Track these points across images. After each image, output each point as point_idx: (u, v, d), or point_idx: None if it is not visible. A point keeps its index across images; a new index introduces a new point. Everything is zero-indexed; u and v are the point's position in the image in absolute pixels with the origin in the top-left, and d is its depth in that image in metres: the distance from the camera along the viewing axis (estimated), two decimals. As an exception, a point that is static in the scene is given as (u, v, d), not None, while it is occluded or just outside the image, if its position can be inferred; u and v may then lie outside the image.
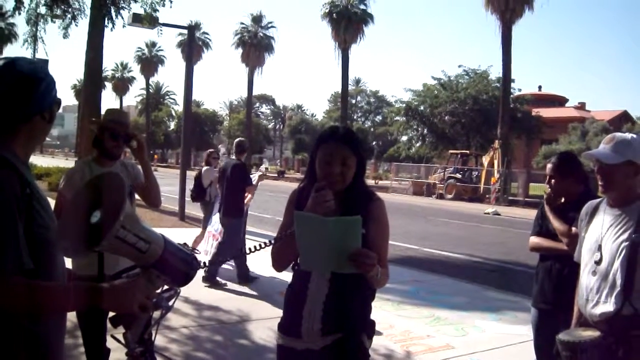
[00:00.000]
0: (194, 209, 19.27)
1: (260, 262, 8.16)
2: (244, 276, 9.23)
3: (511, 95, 41.97)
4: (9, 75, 2.13)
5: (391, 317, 7.58)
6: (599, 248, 3.34)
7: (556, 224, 4.35)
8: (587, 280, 3.39)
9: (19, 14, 17.40)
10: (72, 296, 2.03)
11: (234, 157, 10.04)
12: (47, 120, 2.26)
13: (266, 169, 12.77)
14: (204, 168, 11.65)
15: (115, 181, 2.18)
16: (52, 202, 2.34)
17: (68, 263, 2.42)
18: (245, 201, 9.72)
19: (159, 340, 2.45)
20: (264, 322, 6.97)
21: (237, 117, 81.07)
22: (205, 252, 9.28)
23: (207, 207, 11.21)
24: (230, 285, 8.97)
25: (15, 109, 2.14)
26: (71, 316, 2.36)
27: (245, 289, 8.86)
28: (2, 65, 2.15)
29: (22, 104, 2.14)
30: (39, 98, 2.18)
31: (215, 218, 9.99)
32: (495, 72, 43.87)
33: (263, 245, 2.77)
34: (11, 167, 2.06)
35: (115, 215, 1.96)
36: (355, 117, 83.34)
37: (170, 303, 2.25)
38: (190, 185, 12.79)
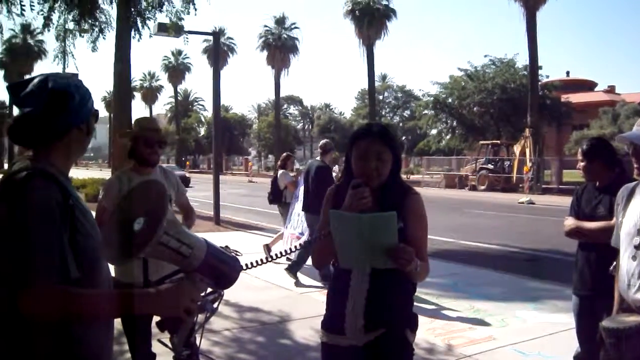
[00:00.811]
0: (229, 213, 19.44)
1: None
2: (295, 268, 9.39)
3: (539, 82, 41.49)
4: (42, 92, 2.16)
5: (431, 311, 7.58)
6: (638, 232, 3.30)
7: (593, 225, 4.36)
8: (627, 265, 3.33)
9: (48, 30, 17.62)
10: (118, 302, 2.06)
11: (318, 158, 10.11)
12: (85, 133, 2.30)
13: (297, 169, 12.92)
14: (280, 171, 12.15)
15: (156, 188, 2.22)
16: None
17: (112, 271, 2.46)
18: None
19: (202, 343, 2.48)
20: (305, 321, 7.01)
21: (265, 119, 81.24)
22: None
23: (285, 209, 11.50)
24: (270, 285, 9.05)
25: (50, 124, 2.17)
26: (116, 322, 2.40)
27: (284, 291, 8.92)
28: (36, 83, 2.19)
29: (57, 119, 2.17)
30: (74, 111, 2.21)
31: (295, 219, 10.18)
32: (522, 60, 43.42)
33: (297, 248, 2.79)
34: (53, 179, 2.09)
35: (157, 221, 2.00)
36: (383, 113, 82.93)
37: (215, 305, 2.27)
38: (224, 189, 12.92)
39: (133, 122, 4.97)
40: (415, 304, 3.14)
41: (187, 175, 42.06)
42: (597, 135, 36.85)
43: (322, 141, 10.63)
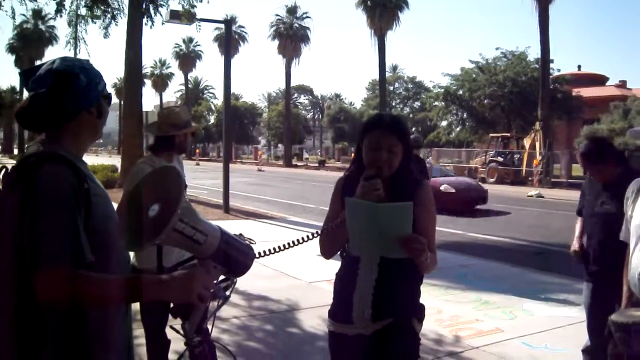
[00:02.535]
0: (238, 201, 19.48)
1: (306, 252, 8.21)
2: None
3: (550, 76, 41.27)
4: (47, 75, 2.16)
5: (439, 302, 7.60)
6: (649, 226, 3.30)
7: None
8: (637, 259, 3.34)
9: (60, 16, 17.68)
10: (131, 288, 2.05)
11: None
12: (97, 116, 2.29)
13: (307, 159, 12.96)
14: None
15: (172, 175, 2.22)
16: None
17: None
18: None
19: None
20: (313, 310, 7.04)
21: (276, 108, 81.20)
22: None
23: None
24: (279, 274, 9.08)
25: (56, 106, 2.16)
26: (134, 307, 2.42)
27: (292, 280, 8.94)
28: (45, 66, 2.21)
29: (63, 100, 2.16)
30: (80, 93, 2.19)
31: None
32: (534, 53, 43.22)
33: (311, 237, 2.80)
34: (67, 162, 2.10)
35: (173, 208, 2.00)
36: (393, 103, 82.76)
37: (228, 293, 2.29)
38: (233, 177, 12.93)
39: (162, 111, 4.95)
40: (423, 294, 3.15)
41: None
42: (606, 130, 36.80)
43: (412, 136, 11.07)
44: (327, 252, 3.15)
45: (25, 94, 2.24)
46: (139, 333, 4.62)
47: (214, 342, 2.40)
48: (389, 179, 2.96)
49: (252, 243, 2.32)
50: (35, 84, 2.18)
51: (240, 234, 2.31)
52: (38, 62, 2.50)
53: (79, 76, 2.19)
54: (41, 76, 2.18)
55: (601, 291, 4.49)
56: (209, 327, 2.53)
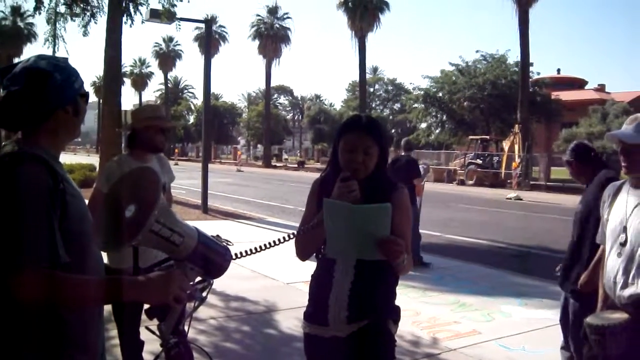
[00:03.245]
0: (217, 202, 19.42)
1: (284, 253, 8.19)
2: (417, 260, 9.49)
3: (530, 79, 41.58)
4: (21, 74, 2.14)
5: (417, 304, 7.60)
6: (624, 229, 3.31)
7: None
8: (613, 262, 3.35)
9: (39, 13, 17.58)
10: (107, 289, 2.05)
11: (402, 153, 10.99)
12: (73, 114, 2.25)
13: (286, 159, 13.06)
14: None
15: (149, 175, 2.21)
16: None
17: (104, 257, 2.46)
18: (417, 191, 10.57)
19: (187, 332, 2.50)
20: (291, 311, 7.02)
21: (255, 108, 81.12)
22: None
23: None
24: (257, 275, 9.04)
25: (30, 105, 2.13)
26: (106, 308, 2.40)
27: (270, 281, 8.92)
28: (20, 64, 2.19)
29: (37, 99, 2.13)
30: (54, 91, 2.16)
31: None
32: (514, 57, 43.57)
33: (287, 238, 2.79)
34: (43, 163, 2.08)
35: (150, 209, 1.99)
36: (373, 105, 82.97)
37: (204, 294, 2.27)
38: (212, 177, 12.87)
39: (135, 108, 4.95)
40: (401, 296, 3.16)
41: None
42: (585, 133, 37.10)
43: (405, 139, 11.93)
44: (303, 253, 3.14)
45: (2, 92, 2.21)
46: (112, 334, 4.61)
47: (190, 343, 2.37)
48: (364, 180, 2.95)
49: (229, 245, 2.31)
50: (10, 81, 2.15)
51: (217, 235, 2.30)
52: (16, 60, 2.47)
53: (52, 74, 2.16)
54: (16, 74, 2.15)
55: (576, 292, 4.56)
56: (186, 328, 2.51)
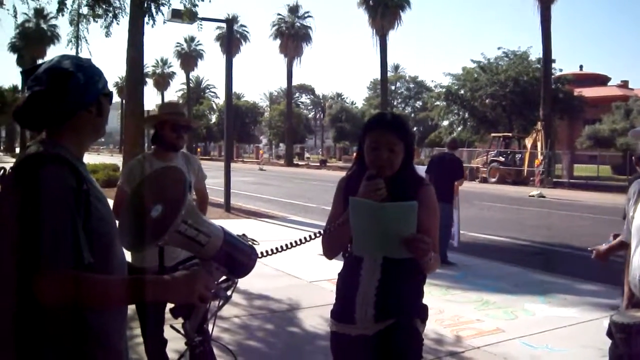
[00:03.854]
0: (240, 201, 19.47)
1: (307, 252, 8.20)
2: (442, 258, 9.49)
3: (552, 76, 41.33)
4: (45, 74, 2.15)
5: (440, 302, 7.59)
6: (650, 227, 3.29)
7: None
8: (638, 259, 3.33)
9: (62, 15, 17.71)
10: (132, 289, 2.04)
11: (446, 150, 11.35)
12: (96, 114, 2.26)
13: (308, 158, 13.12)
14: None
15: (176, 175, 2.21)
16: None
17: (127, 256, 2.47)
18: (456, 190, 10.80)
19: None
20: (314, 309, 7.05)
21: (277, 107, 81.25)
22: None
23: None
24: (280, 273, 9.08)
25: (53, 105, 2.13)
26: (130, 306, 2.41)
27: (293, 279, 8.94)
28: (44, 65, 2.19)
29: (60, 99, 2.13)
30: (77, 92, 2.16)
31: None
32: (536, 53, 43.34)
33: (314, 236, 2.78)
34: (67, 163, 2.08)
35: (176, 209, 1.99)
36: (395, 103, 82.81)
37: (229, 293, 2.27)
38: (234, 176, 12.92)
39: (157, 107, 4.99)
40: (424, 294, 3.15)
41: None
42: (608, 130, 36.81)
43: (451, 137, 12.03)
44: (329, 252, 3.13)
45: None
46: (135, 332, 4.65)
47: (214, 341, 2.38)
48: (390, 178, 2.94)
49: (254, 244, 2.31)
50: (33, 82, 2.16)
51: (244, 235, 2.30)
52: (40, 61, 2.48)
53: (75, 74, 2.16)
54: (39, 75, 2.16)
55: None
56: (210, 327, 2.53)
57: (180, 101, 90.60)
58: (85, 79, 2.18)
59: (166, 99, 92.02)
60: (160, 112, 4.67)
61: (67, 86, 2.14)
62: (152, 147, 4.63)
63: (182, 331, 2.21)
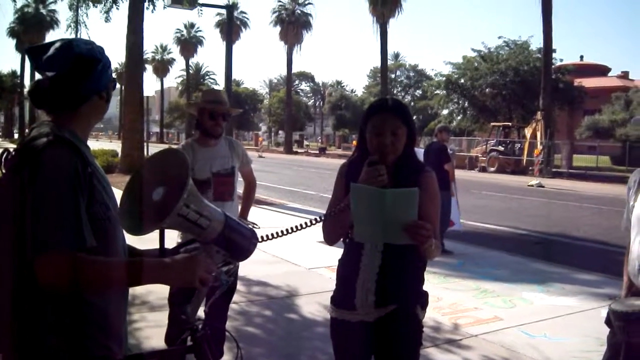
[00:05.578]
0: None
1: (306, 238, 8.20)
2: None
3: (553, 66, 41.15)
4: (68, 56, 2.15)
5: (438, 290, 7.61)
6: (650, 216, 3.28)
7: None
8: (638, 249, 3.32)
9: (62, 0, 17.68)
10: (133, 271, 2.04)
11: (435, 139, 11.50)
12: (105, 100, 2.30)
13: (307, 146, 13.14)
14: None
15: (176, 158, 2.20)
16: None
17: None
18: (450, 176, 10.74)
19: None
20: (312, 296, 7.07)
21: (277, 95, 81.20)
22: None
23: None
24: (279, 260, 9.10)
25: (75, 89, 2.17)
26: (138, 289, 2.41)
27: (292, 266, 8.96)
28: (61, 47, 2.18)
29: (82, 84, 2.18)
30: (97, 78, 2.21)
31: None
32: (536, 43, 43.19)
33: (314, 222, 2.78)
34: (72, 146, 2.08)
35: (178, 193, 1.99)
36: (395, 91, 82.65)
37: (229, 277, 2.29)
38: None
39: (202, 92, 5.08)
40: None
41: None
42: (608, 120, 36.77)
43: (440, 125, 11.92)
44: (330, 238, 3.11)
45: (27, 74, 2.22)
46: (134, 317, 4.65)
47: (213, 325, 2.38)
48: (392, 164, 2.94)
49: (255, 227, 2.31)
50: (51, 63, 2.17)
51: (244, 218, 2.30)
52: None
53: (100, 61, 2.23)
54: (57, 56, 2.16)
55: None
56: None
57: (180, 88, 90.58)
58: (102, 64, 2.24)
59: (165, 86, 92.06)
60: (201, 99, 4.73)
61: (91, 71, 2.20)
62: (193, 132, 4.78)
63: (183, 315, 2.21)
